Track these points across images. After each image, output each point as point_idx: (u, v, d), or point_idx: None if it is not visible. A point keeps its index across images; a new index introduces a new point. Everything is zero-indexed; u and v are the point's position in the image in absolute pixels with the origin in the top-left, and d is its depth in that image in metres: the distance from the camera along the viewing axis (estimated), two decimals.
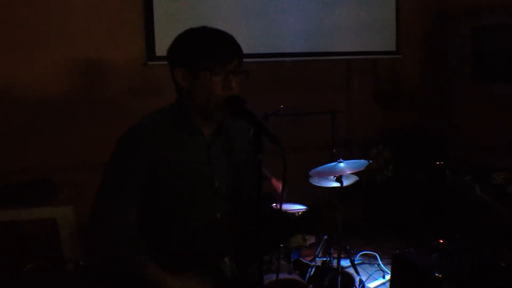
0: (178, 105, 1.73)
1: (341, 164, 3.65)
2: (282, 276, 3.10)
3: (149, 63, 3.99)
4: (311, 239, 3.60)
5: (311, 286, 3.65)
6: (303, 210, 1.79)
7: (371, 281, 4.32)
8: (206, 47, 1.62)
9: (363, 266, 4.60)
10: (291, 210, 3.55)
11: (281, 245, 3.02)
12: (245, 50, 4.50)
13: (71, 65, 4.19)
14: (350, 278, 4.20)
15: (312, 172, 3.80)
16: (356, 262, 4.48)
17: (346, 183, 3.56)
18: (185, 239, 1.67)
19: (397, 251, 3.51)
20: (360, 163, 3.40)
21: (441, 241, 3.58)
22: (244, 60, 4.79)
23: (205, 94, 1.64)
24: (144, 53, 4.14)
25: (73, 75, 4.20)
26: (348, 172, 3.50)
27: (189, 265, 1.67)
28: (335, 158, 3.93)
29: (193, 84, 1.65)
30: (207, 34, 1.66)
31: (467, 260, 3.30)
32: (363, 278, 4.26)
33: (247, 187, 1.66)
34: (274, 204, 3.81)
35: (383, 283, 4.22)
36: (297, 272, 3.43)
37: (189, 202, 1.67)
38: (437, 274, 3.07)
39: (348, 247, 4.72)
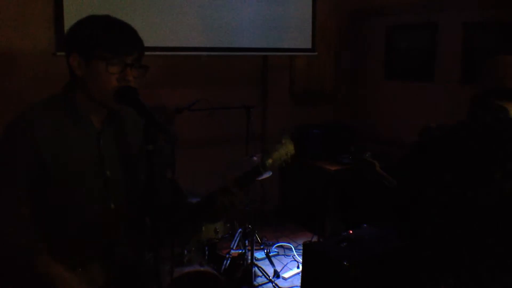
0: (68, 93, 1.68)
1: (254, 158, 3.73)
2: (194, 268, 3.11)
3: (58, 53, 3.86)
4: (223, 232, 3.64)
5: (224, 278, 3.68)
6: (200, 199, 1.78)
7: (286, 271, 4.43)
8: (105, 37, 1.59)
9: (278, 257, 4.72)
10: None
11: (189, 236, 3.02)
12: (160, 43, 4.50)
13: None
14: (263, 270, 4.28)
15: (225, 166, 3.84)
16: (271, 254, 4.59)
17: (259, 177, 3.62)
18: (80, 230, 1.65)
19: (307, 241, 3.61)
20: None
21: (351, 231, 3.71)
22: (159, 53, 4.71)
23: (99, 85, 1.61)
24: (53, 43, 4.01)
25: None
26: None
27: (86, 256, 1.65)
28: (248, 153, 4.00)
29: (88, 73, 1.61)
30: (108, 24, 1.63)
31: (374, 248, 3.45)
32: (278, 269, 4.37)
33: (143, 176, 1.65)
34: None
35: (298, 273, 4.32)
36: (211, 264, 3.45)
37: (81, 193, 1.64)
38: (345, 263, 3.19)
39: (264, 239, 4.83)
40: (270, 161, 1.81)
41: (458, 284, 1.86)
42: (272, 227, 5.26)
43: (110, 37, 1.60)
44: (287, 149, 1.84)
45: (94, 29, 1.61)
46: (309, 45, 5.44)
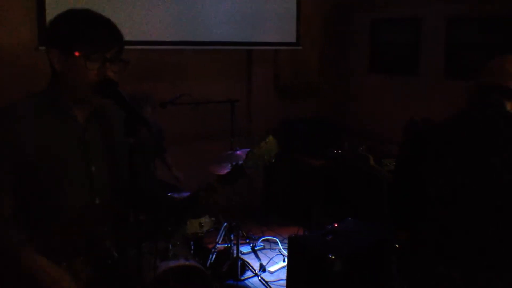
0: (50, 89, 1.67)
1: (238, 153, 3.74)
2: (179, 262, 3.11)
3: (41, 48, 3.83)
4: (208, 226, 3.64)
5: (209, 272, 3.69)
6: (186, 195, 1.81)
7: (272, 265, 4.44)
8: (84, 32, 1.58)
9: (264, 251, 4.73)
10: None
11: (172, 231, 3.01)
12: (144, 38, 4.46)
13: None
14: (249, 264, 4.29)
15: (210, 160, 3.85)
16: (257, 248, 4.60)
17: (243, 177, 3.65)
18: (65, 226, 1.64)
19: (293, 235, 3.62)
20: None
21: (336, 224, 3.73)
22: (142, 48, 4.67)
23: (79, 80, 1.60)
24: (36, 37, 3.97)
25: None
26: None
27: (70, 251, 1.65)
28: (233, 147, 4.00)
29: (67, 68, 1.60)
30: (87, 18, 1.62)
31: (359, 241, 3.47)
32: (264, 263, 4.38)
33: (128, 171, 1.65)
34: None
35: (284, 267, 4.33)
36: (197, 258, 3.45)
37: (65, 189, 1.63)
38: (330, 256, 3.21)
39: (250, 233, 4.84)
40: (254, 160, 1.83)
41: (452, 278, 1.88)
42: (258, 221, 5.27)
43: (89, 32, 1.59)
44: (271, 148, 1.86)
45: (73, 23, 1.60)
46: (293, 39, 5.45)
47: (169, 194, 3.66)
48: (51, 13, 3.88)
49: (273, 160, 1.85)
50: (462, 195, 1.89)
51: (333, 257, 3.21)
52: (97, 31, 1.60)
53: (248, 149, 1.90)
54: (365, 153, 3.25)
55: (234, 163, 3.47)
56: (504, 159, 1.83)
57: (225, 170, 3.80)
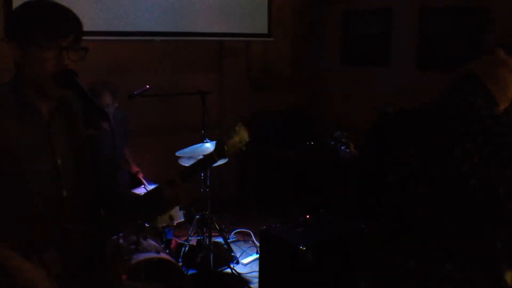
0: (14, 82, 1.65)
1: (207, 144, 3.70)
2: (150, 255, 3.09)
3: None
4: (179, 219, 3.62)
5: (181, 264, 3.68)
6: (147, 190, 1.79)
7: (245, 257, 4.45)
8: (38, 21, 1.56)
9: (238, 243, 4.74)
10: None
11: (141, 225, 2.99)
12: (112, 28, 4.38)
13: None
14: (225, 255, 4.28)
15: (179, 152, 3.81)
16: (230, 240, 4.59)
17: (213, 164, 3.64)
18: (34, 219, 1.62)
19: (264, 227, 3.63)
20: None
21: (307, 216, 3.74)
22: (111, 38, 4.58)
23: (37, 71, 1.58)
24: (2, 28, 3.88)
25: None
26: None
27: (41, 243, 1.62)
28: (203, 139, 3.96)
29: (25, 59, 1.59)
30: (41, 8, 1.60)
31: (331, 232, 3.49)
32: (237, 255, 4.38)
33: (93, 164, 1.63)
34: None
35: (256, 259, 4.33)
36: (167, 251, 3.44)
37: (31, 182, 1.62)
38: (301, 247, 3.22)
39: (222, 226, 4.82)
40: (225, 148, 1.82)
41: (409, 268, 1.89)
42: (231, 214, 5.26)
43: (43, 21, 1.57)
44: (242, 136, 1.85)
45: (28, 14, 1.59)
46: (265, 30, 5.43)
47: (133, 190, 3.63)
48: (18, 4, 3.80)
49: (244, 148, 1.85)
50: (421, 186, 1.89)
51: (304, 248, 3.22)
52: (51, 19, 1.57)
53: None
54: (346, 141, 3.30)
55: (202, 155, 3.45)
56: (465, 150, 1.82)
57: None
